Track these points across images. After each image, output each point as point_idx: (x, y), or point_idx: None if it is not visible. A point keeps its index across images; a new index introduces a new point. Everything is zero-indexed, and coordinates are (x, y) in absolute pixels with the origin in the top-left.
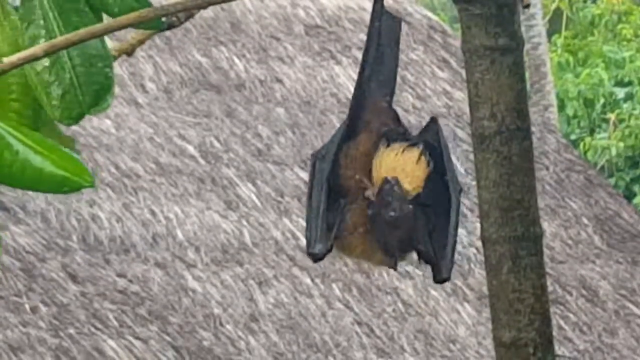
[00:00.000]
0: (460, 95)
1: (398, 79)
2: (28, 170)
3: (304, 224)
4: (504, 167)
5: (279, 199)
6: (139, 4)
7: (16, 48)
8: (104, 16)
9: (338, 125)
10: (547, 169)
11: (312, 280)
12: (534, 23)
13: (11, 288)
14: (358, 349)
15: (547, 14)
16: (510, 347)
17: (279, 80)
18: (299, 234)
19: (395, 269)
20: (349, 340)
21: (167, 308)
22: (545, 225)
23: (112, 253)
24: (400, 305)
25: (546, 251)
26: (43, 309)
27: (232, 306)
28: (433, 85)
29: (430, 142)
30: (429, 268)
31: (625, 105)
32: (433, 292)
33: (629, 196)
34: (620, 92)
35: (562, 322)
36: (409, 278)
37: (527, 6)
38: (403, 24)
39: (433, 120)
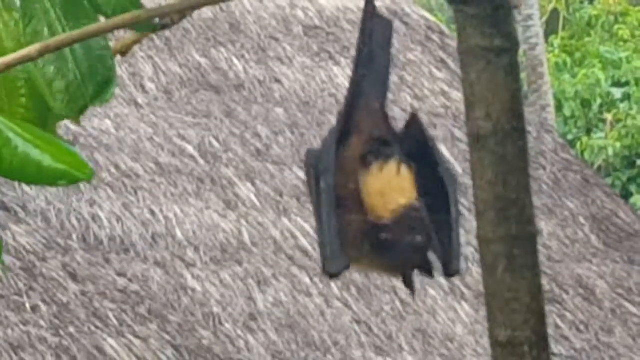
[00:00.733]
0: (458, 96)
1: (396, 79)
2: (28, 163)
3: (303, 224)
4: (499, 167)
5: (278, 198)
6: (132, 5)
7: (20, 43)
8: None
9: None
10: (544, 168)
11: (311, 279)
12: (531, 24)
13: (12, 287)
14: (357, 348)
15: (544, 14)
16: (506, 346)
17: (278, 81)
18: (297, 234)
19: (413, 291)
20: (347, 339)
21: (166, 307)
22: (542, 224)
23: (112, 252)
24: (398, 304)
25: (543, 250)
26: (43, 308)
27: (232, 305)
28: (431, 86)
29: (413, 140)
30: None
31: (622, 106)
32: (431, 291)
33: (626, 196)
34: (617, 93)
35: (559, 321)
36: None
37: (517, 7)
38: (401, 24)
39: (413, 118)
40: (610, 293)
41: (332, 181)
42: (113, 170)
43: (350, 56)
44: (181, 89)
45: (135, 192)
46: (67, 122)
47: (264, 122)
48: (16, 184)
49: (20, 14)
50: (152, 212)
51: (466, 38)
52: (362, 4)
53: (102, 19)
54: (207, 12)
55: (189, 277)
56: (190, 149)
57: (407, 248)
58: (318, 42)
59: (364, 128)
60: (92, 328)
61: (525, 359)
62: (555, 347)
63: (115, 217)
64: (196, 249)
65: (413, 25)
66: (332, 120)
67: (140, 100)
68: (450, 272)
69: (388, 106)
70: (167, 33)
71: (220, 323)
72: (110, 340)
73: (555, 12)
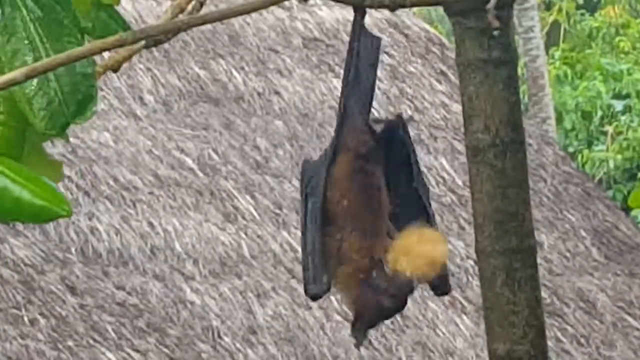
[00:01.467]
0: (458, 108)
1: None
2: (6, 200)
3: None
4: (498, 179)
5: (277, 211)
6: (119, 27)
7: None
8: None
9: None
10: (545, 181)
11: None
12: (531, 36)
13: (10, 300)
14: None
15: (544, 26)
16: (505, 359)
17: (277, 93)
18: (297, 247)
19: (359, 344)
20: (347, 353)
21: (165, 320)
22: (543, 237)
23: (110, 265)
24: (398, 317)
25: (544, 263)
26: (42, 321)
27: (231, 318)
28: (431, 98)
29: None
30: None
31: (623, 118)
32: (431, 304)
33: (627, 208)
34: (618, 105)
35: (559, 335)
36: None
37: (497, 29)
38: (401, 36)
39: (398, 117)
40: (612, 306)
41: (319, 203)
42: (112, 182)
43: None
44: (180, 101)
45: (134, 205)
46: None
47: (263, 135)
48: None
49: (0, 31)
50: (151, 225)
51: (464, 50)
52: None
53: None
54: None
55: (187, 290)
56: (189, 161)
57: (380, 308)
58: (317, 54)
59: (351, 145)
60: (91, 341)
61: None
62: None
63: (114, 230)
64: (195, 262)
65: (413, 37)
66: (332, 132)
67: (139, 113)
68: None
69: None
70: (165, 45)
71: (220, 336)
72: (109, 354)
73: (555, 24)
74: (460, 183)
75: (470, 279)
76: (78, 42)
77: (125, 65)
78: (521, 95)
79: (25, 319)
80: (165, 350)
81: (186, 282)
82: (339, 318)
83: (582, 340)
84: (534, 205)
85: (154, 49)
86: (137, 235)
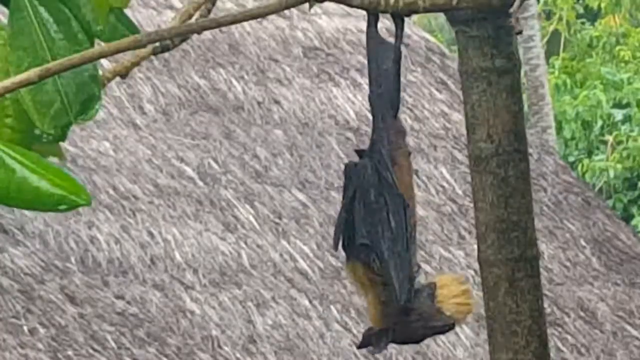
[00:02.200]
0: (459, 117)
1: None
2: (25, 189)
3: (302, 246)
4: (501, 189)
5: (277, 220)
6: (129, 31)
7: (6, 62)
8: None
9: (336, 147)
10: (545, 190)
11: (310, 302)
12: (532, 45)
13: (9, 310)
14: None
15: (545, 35)
16: None
17: (277, 102)
18: (297, 256)
19: (376, 352)
20: None
21: (165, 330)
22: (543, 247)
23: (110, 275)
24: None
25: (544, 273)
26: (41, 330)
27: (230, 328)
28: (431, 107)
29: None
30: None
31: (623, 127)
32: None
33: (627, 218)
34: (618, 114)
35: (560, 344)
36: None
37: (520, 32)
38: (401, 45)
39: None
40: (612, 316)
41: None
42: (111, 192)
43: (349, 77)
44: (180, 110)
45: (134, 214)
46: (64, 144)
47: (263, 144)
48: None
49: (9, 33)
50: (151, 234)
51: (467, 59)
52: (361, 25)
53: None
54: (206, 33)
55: (187, 299)
56: (189, 170)
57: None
58: (317, 63)
59: (402, 144)
60: (90, 351)
61: None
62: None
63: (114, 240)
64: (195, 272)
65: (413, 47)
66: (332, 142)
67: (138, 122)
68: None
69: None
70: (165, 54)
71: (219, 346)
72: None
73: (556, 33)
74: (460, 192)
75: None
76: (87, 45)
77: None
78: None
79: (25, 328)
80: (165, 359)
81: (186, 292)
82: (338, 328)
83: (583, 350)
84: (534, 215)
85: (153, 58)
86: (137, 245)
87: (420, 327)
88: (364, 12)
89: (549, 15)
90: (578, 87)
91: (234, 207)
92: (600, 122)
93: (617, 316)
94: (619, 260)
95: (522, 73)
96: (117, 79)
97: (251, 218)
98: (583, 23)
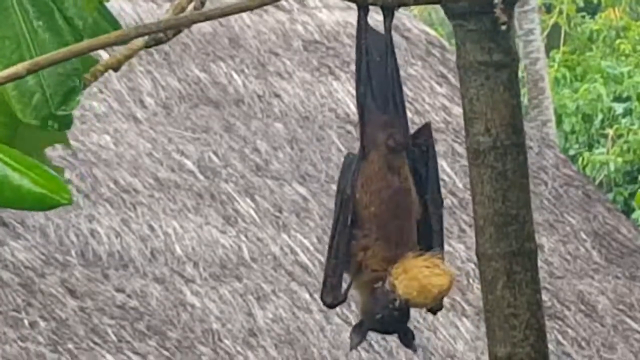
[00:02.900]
0: (459, 111)
1: None
2: (6, 187)
3: (303, 239)
4: (498, 182)
5: (278, 214)
6: (111, 27)
7: None
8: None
9: (336, 140)
10: (546, 184)
11: (311, 295)
12: (532, 38)
13: (10, 303)
14: None
15: (545, 29)
16: None
17: (278, 96)
18: (297, 249)
19: (352, 346)
20: (347, 356)
21: (165, 323)
22: (543, 240)
23: (110, 268)
24: None
25: (544, 266)
26: (42, 324)
27: (231, 321)
28: (431, 101)
29: (421, 148)
30: None
31: (623, 121)
32: None
33: (628, 211)
34: (619, 108)
35: (560, 337)
36: None
37: (504, 23)
38: (401, 39)
39: (426, 127)
40: (612, 309)
41: (350, 212)
42: (112, 185)
43: (350, 71)
44: (180, 103)
45: (134, 208)
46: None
47: (263, 137)
48: None
49: None
50: (151, 228)
51: (465, 53)
52: None
53: None
54: (206, 26)
55: (188, 293)
56: (189, 164)
57: (384, 321)
58: (318, 56)
59: (378, 141)
60: (91, 344)
61: None
62: None
63: (114, 233)
64: (195, 265)
65: (413, 40)
66: (332, 135)
67: (139, 115)
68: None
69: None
70: (166, 47)
71: (220, 339)
72: (109, 357)
73: (556, 26)
74: (460, 186)
75: (470, 281)
76: (71, 37)
77: (125, 67)
78: (522, 98)
79: (25, 321)
80: (166, 353)
81: (186, 285)
82: (339, 321)
83: (583, 343)
84: (534, 208)
85: (154, 51)
86: (137, 238)
87: (384, 312)
88: None
89: (549, 9)
90: (578, 81)
91: (235, 200)
92: (600, 116)
93: (617, 309)
94: (620, 253)
95: (522, 67)
96: (117, 72)
97: (251, 211)
98: (583, 16)
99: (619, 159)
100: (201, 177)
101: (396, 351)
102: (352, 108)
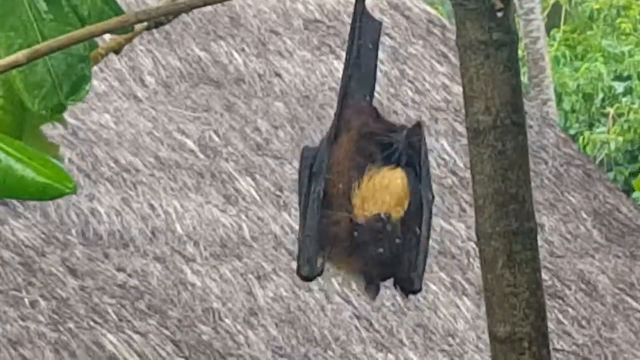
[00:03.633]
0: (459, 90)
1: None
2: (9, 177)
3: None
4: (498, 161)
5: (278, 193)
6: (112, 11)
7: None
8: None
9: None
10: (546, 163)
11: None
12: (532, 17)
13: (10, 282)
14: (357, 343)
15: (545, 8)
16: (505, 341)
17: (278, 75)
18: (297, 228)
19: (374, 300)
20: (348, 335)
21: (166, 302)
22: (544, 219)
23: (111, 247)
24: (399, 299)
25: (545, 245)
26: (42, 303)
27: (231, 300)
28: (432, 80)
29: (411, 152)
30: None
31: (624, 100)
32: (432, 286)
33: (628, 190)
34: (619, 87)
35: (560, 316)
36: None
37: (500, 10)
38: (402, 18)
39: (418, 126)
40: (612, 288)
41: (321, 185)
42: (112, 164)
43: None
44: (181, 82)
45: (135, 187)
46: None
47: (264, 116)
48: None
49: None
50: (152, 207)
51: (465, 32)
52: None
53: None
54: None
55: (188, 272)
56: (190, 143)
57: (373, 256)
58: (318, 35)
59: (354, 126)
60: (91, 323)
61: (525, 354)
62: (557, 343)
63: (115, 212)
64: (196, 244)
65: (414, 19)
66: (332, 114)
67: (139, 94)
68: (408, 290)
69: (385, 99)
70: (166, 26)
71: (220, 318)
72: (110, 336)
73: (557, 5)
74: (461, 165)
75: (471, 261)
76: (79, 25)
77: (126, 47)
78: (522, 77)
79: (26, 301)
80: (166, 332)
81: (187, 264)
82: (339, 300)
83: (583, 322)
84: (535, 187)
85: (154, 30)
86: (138, 217)
87: (367, 247)
88: None
89: None
90: (578, 60)
91: (235, 179)
92: (601, 95)
93: (617, 288)
94: (620, 232)
95: (523, 45)
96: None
97: (252, 190)
98: None
99: (620, 138)
100: (202, 156)
101: (397, 330)
102: None
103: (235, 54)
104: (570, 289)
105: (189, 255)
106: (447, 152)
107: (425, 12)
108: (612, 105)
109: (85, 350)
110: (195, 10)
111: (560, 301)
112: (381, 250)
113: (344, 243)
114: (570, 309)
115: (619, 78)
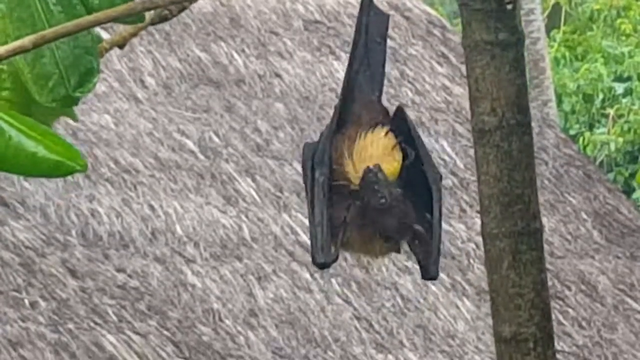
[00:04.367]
0: (460, 91)
1: (397, 73)
2: (21, 154)
3: (304, 219)
4: (504, 162)
5: (278, 194)
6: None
7: (3, 38)
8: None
9: None
10: (547, 164)
11: (311, 275)
12: (532, 18)
13: (10, 283)
14: (357, 344)
15: (546, 9)
16: (511, 342)
17: (278, 76)
18: (298, 229)
19: (399, 252)
20: (348, 335)
21: (166, 303)
22: (544, 220)
23: (111, 248)
24: (399, 300)
25: (545, 246)
26: (42, 304)
27: (231, 301)
28: (432, 81)
29: (403, 131)
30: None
31: (624, 101)
32: (432, 287)
33: (628, 191)
34: (620, 88)
35: (561, 317)
36: (408, 273)
37: (510, 3)
38: (402, 18)
39: (399, 110)
40: (613, 289)
41: (327, 173)
42: (112, 165)
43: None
44: (181, 83)
45: (135, 188)
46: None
47: (264, 117)
48: (15, 178)
49: (7, 5)
50: (152, 208)
51: (471, 32)
52: None
53: None
54: (207, 6)
55: (188, 273)
56: (190, 144)
57: (377, 209)
58: (318, 36)
59: (362, 120)
60: (91, 324)
61: (530, 355)
62: (557, 344)
63: (115, 213)
64: (196, 245)
65: (414, 20)
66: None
67: (139, 95)
68: (427, 276)
69: (385, 100)
70: (166, 27)
71: (220, 319)
72: (110, 337)
73: (557, 6)
74: (461, 166)
75: (471, 262)
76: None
77: (126, 47)
78: None
79: (26, 301)
80: (166, 333)
81: (187, 265)
82: (340, 301)
83: (584, 323)
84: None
85: (154, 31)
86: (138, 218)
87: (370, 209)
88: None
89: None
90: (578, 61)
91: (235, 180)
92: (601, 96)
93: (618, 289)
94: (620, 233)
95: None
96: (118, 52)
97: (252, 191)
98: None
99: (620, 139)
100: (202, 157)
101: (397, 331)
102: None
103: (236, 55)
104: (570, 289)
105: (189, 256)
106: (447, 153)
107: (426, 13)
108: (612, 106)
109: (85, 351)
110: (195, 11)
111: (561, 302)
112: (383, 200)
113: (353, 221)
114: (570, 310)
115: (619, 79)
